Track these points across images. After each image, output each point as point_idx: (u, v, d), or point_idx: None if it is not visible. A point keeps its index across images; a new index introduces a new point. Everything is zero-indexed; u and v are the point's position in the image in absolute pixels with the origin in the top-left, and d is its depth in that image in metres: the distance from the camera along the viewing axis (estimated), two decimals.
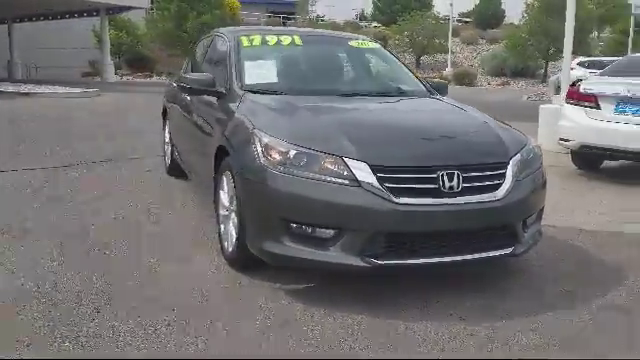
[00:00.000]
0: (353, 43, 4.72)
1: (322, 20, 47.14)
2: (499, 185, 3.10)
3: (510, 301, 3.16)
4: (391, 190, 2.88)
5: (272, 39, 4.45)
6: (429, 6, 46.76)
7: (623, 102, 6.18)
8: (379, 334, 2.74)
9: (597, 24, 36.79)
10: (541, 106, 8.92)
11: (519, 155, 3.27)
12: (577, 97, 6.65)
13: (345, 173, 2.91)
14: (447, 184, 2.95)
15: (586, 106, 6.50)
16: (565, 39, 8.77)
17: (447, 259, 3.01)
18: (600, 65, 22.46)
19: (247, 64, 4.12)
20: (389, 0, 47.78)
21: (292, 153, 3.00)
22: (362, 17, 63.31)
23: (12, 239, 3.90)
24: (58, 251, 3.68)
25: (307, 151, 2.98)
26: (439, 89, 4.51)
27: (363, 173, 2.89)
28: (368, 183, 2.87)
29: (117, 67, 28.25)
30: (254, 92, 3.81)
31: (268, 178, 3.01)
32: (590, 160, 6.94)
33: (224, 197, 3.63)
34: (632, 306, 3.16)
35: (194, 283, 3.25)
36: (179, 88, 4.66)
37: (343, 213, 2.89)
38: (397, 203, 2.86)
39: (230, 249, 3.48)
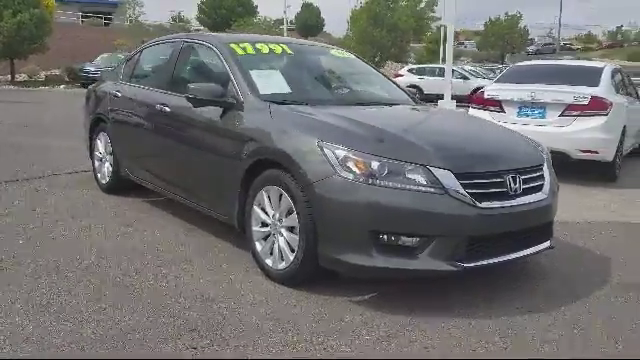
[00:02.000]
0: (335, 53, 4.78)
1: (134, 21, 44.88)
2: (542, 185, 3.44)
3: (548, 287, 3.52)
4: (473, 196, 3.04)
5: (263, 47, 4.32)
6: (254, 12, 47.59)
7: (525, 106, 7.07)
8: (485, 335, 2.89)
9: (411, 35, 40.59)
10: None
11: (546, 156, 3.65)
12: (482, 102, 7.42)
13: (430, 181, 2.99)
14: (513, 186, 3.20)
15: (491, 110, 7.29)
16: (447, 53, 9.65)
17: (513, 256, 3.26)
18: (423, 71, 24.94)
19: (253, 73, 3.96)
20: (215, 3, 47.62)
21: (375, 164, 3.00)
22: (179, 19, 61.90)
23: None
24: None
25: (391, 161, 3.01)
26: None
27: (449, 180, 3.00)
28: (455, 190, 2.99)
29: None
30: (277, 103, 3.70)
31: (353, 191, 2.98)
32: None
33: (262, 213, 3.48)
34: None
35: (262, 310, 3.09)
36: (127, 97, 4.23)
37: (433, 221, 2.97)
38: (481, 208, 3.03)
39: (281, 266, 3.35)
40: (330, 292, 3.28)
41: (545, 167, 3.54)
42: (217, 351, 2.61)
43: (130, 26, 38.65)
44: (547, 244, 3.50)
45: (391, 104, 4.31)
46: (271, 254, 3.45)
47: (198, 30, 45.89)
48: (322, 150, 3.11)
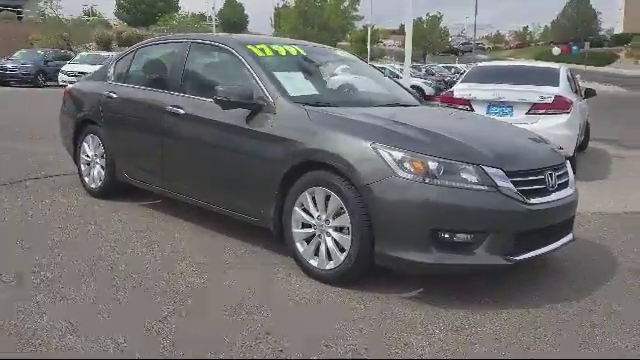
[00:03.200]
0: (340, 54, 4.85)
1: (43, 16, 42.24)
2: (568, 181, 3.69)
3: (571, 278, 3.78)
4: (521, 192, 3.22)
5: (279, 49, 4.31)
6: (176, 7, 46.48)
7: (493, 105, 7.43)
8: (541, 323, 3.08)
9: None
10: None
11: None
12: (451, 101, 7.73)
13: (483, 180, 3.14)
14: (551, 183, 3.42)
15: (460, 109, 7.59)
16: (406, 52, 9.94)
17: (548, 248, 3.47)
18: None
19: (278, 75, 3.95)
20: None
21: (432, 164, 3.12)
22: (92, 13, 59.06)
23: None
24: None
25: (447, 161, 3.13)
26: None
27: (501, 179, 3.16)
28: (506, 188, 3.16)
29: None
30: (310, 105, 3.72)
31: (412, 191, 3.08)
32: None
33: (305, 215, 3.51)
34: None
35: (326, 311, 3.13)
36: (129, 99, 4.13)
37: (489, 217, 3.13)
38: (529, 204, 3.22)
39: (329, 266, 3.40)
40: (379, 290, 3.35)
41: (567, 164, 3.79)
42: (303, 354, 2.63)
43: (46, 20, 36.54)
44: (571, 236, 3.75)
45: (410, 105, 4.44)
46: (315, 255, 3.48)
47: (116, 25, 44.16)
48: (377, 152, 3.19)
